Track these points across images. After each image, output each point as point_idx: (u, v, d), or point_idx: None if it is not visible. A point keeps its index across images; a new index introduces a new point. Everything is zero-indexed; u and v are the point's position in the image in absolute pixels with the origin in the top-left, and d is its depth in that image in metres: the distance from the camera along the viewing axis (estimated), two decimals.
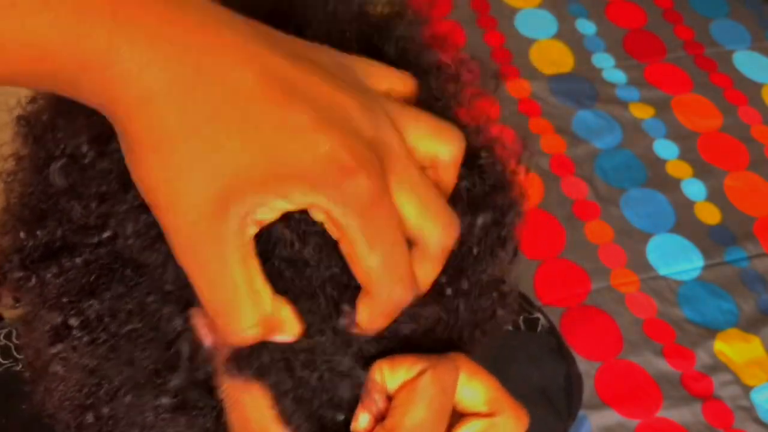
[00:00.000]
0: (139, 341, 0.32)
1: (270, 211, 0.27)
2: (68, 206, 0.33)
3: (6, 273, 0.35)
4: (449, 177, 0.32)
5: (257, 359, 0.32)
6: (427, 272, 0.31)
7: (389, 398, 0.33)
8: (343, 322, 0.31)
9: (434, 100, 0.35)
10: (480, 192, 0.35)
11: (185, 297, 0.31)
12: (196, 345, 0.32)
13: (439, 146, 0.31)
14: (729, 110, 1.62)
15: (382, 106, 0.30)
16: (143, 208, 0.30)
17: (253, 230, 0.27)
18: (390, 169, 0.29)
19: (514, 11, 1.74)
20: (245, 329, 0.29)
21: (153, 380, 0.33)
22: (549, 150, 1.52)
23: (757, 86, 1.67)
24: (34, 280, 0.34)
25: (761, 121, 1.62)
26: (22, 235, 0.34)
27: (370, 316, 0.31)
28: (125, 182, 0.31)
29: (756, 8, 1.82)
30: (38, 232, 0.33)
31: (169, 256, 0.30)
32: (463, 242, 0.34)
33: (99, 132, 0.32)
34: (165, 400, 0.33)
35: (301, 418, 0.33)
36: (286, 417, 0.33)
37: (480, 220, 0.35)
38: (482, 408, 0.35)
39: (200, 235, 0.27)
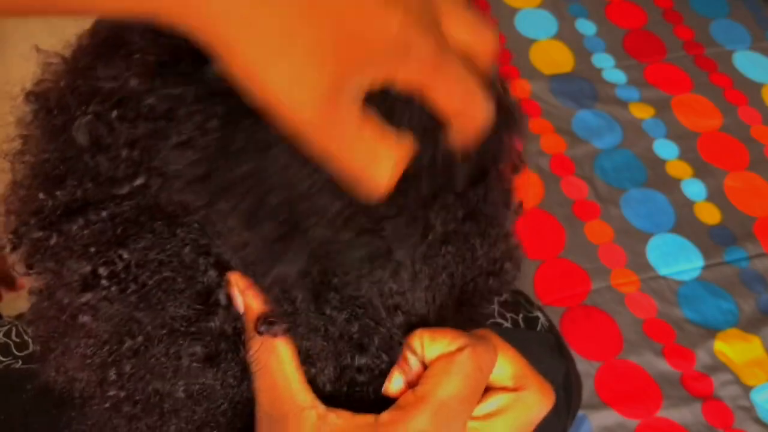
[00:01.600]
0: (171, 290, 0.33)
1: (366, 85, 0.29)
2: (93, 162, 0.33)
3: (22, 236, 0.35)
4: (483, 64, 0.34)
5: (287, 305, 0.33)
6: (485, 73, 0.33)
7: (424, 366, 0.34)
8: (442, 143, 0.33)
9: None
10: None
11: (219, 251, 0.33)
12: (231, 295, 0.33)
13: (475, 38, 0.33)
14: (729, 110, 1.62)
15: None
16: (187, 145, 0.31)
17: (360, 100, 0.29)
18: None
19: (514, 11, 1.74)
20: (388, 172, 0.30)
21: (187, 328, 0.34)
22: (549, 150, 1.52)
23: (757, 86, 1.68)
24: (55, 237, 0.34)
25: (761, 121, 1.62)
26: (41, 195, 0.34)
27: (462, 136, 0.33)
28: (169, 118, 0.32)
29: (756, 8, 1.82)
30: (58, 193, 0.34)
31: (214, 197, 0.31)
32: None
33: (144, 69, 0.32)
34: (198, 348, 0.34)
35: (326, 360, 0.34)
36: (310, 357, 0.34)
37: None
38: (508, 383, 0.35)
39: (327, 117, 0.28)
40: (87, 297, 0.34)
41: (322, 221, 0.32)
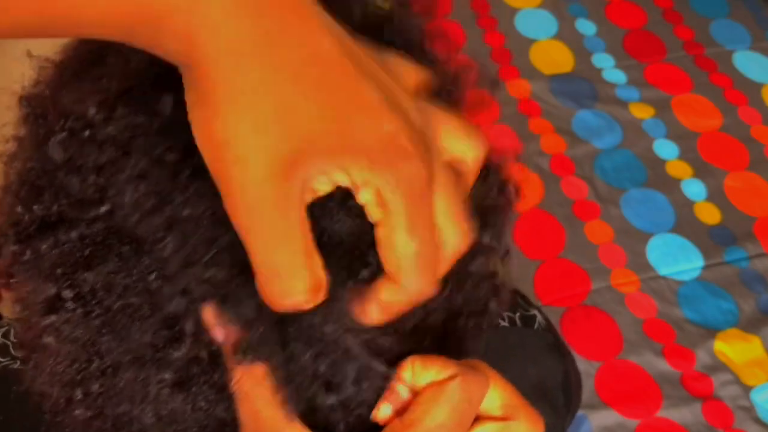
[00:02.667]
0: (136, 316, 0.32)
1: (328, 181, 0.27)
2: (66, 180, 0.33)
3: (1, 247, 0.35)
4: (469, 180, 0.32)
5: (268, 342, 0.32)
6: (438, 272, 0.31)
7: (414, 394, 0.33)
8: (355, 302, 0.31)
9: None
10: (479, 194, 0.35)
11: (186, 277, 0.32)
12: (201, 322, 0.32)
13: (466, 149, 0.31)
14: (729, 110, 1.62)
15: (418, 101, 0.30)
16: (141, 178, 0.30)
17: (309, 197, 0.27)
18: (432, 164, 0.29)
19: (514, 11, 1.74)
20: (299, 293, 0.29)
21: (154, 354, 0.33)
22: (549, 150, 1.52)
23: (757, 86, 1.67)
24: (29, 253, 0.34)
25: (761, 121, 1.62)
26: (18, 209, 0.34)
27: (388, 303, 0.31)
28: (127, 150, 0.31)
29: (756, 8, 1.82)
30: (35, 207, 0.33)
31: (167, 229, 0.30)
32: None
33: (105, 97, 0.32)
34: (167, 375, 0.33)
35: (292, 399, 0.33)
36: (279, 393, 0.33)
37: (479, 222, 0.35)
38: (497, 412, 0.35)
39: (265, 193, 0.26)
40: (51, 319, 0.33)
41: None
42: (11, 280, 0.36)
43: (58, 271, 0.33)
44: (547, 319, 0.59)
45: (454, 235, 0.30)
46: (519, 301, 0.58)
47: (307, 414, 0.34)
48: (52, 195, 0.33)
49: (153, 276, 0.32)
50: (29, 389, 0.37)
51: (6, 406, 0.47)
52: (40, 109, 0.35)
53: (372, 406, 0.34)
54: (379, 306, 0.31)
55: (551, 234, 1.41)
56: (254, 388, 0.33)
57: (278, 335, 0.32)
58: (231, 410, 0.34)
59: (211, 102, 0.26)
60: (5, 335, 0.52)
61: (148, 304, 0.32)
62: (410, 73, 0.31)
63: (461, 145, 0.31)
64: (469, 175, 0.32)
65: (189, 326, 0.32)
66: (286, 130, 0.26)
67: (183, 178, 0.31)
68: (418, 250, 0.29)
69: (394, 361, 0.34)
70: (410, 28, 0.36)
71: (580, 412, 1.15)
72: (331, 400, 0.34)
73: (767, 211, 1.49)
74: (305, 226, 0.28)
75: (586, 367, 1.26)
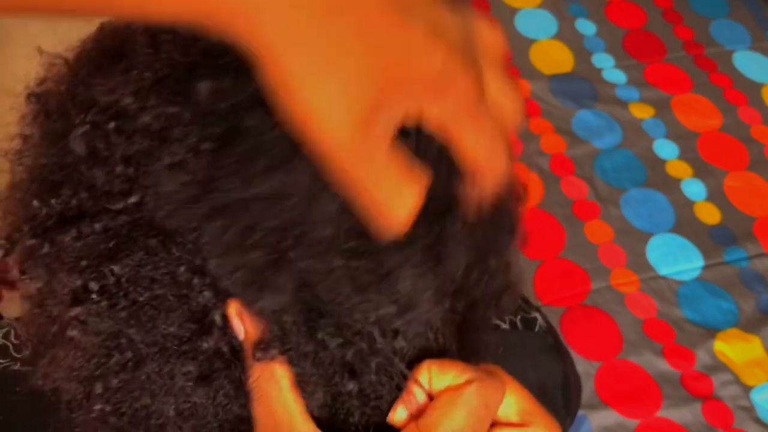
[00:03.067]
0: (163, 308, 0.33)
1: (402, 117, 0.29)
2: (89, 174, 0.33)
3: (15, 242, 0.35)
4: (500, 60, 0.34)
5: (283, 338, 0.33)
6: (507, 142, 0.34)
7: (430, 398, 0.34)
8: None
9: None
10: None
11: (217, 269, 0.32)
12: (227, 315, 0.33)
13: (508, 102, 0.33)
14: (729, 110, 1.62)
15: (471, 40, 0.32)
16: (177, 167, 0.31)
17: (394, 131, 0.29)
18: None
19: (514, 11, 1.74)
20: (408, 209, 0.30)
21: (180, 347, 0.33)
22: (549, 150, 1.52)
23: (757, 86, 1.67)
24: (47, 247, 0.34)
25: (761, 121, 1.62)
26: (35, 203, 0.34)
27: (482, 191, 0.33)
28: (162, 139, 0.31)
29: (756, 8, 1.82)
30: (52, 201, 0.34)
31: (204, 219, 0.31)
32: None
33: (139, 87, 0.32)
34: (192, 368, 0.33)
35: (317, 384, 0.34)
36: (302, 382, 0.34)
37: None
38: (514, 418, 0.35)
39: (359, 143, 0.28)
40: (77, 311, 0.34)
41: (311, 250, 0.31)
42: (23, 277, 0.36)
43: (83, 263, 0.33)
44: (547, 322, 0.59)
45: (511, 106, 0.33)
46: (520, 303, 0.58)
47: (324, 407, 0.34)
48: (71, 188, 0.33)
49: (183, 268, 0.32)
50: (36, 388, 0.38)
51: (6, 407, 0.47)
52: (54, 104, 0.35)
53: (389, 403, 0.35)
54: (475, 194, 0.33)
55: (551, 234, 1.41)
56: (271, 388, 0.33)
57: (307, 324, 0.33)
58: (248, 407, 0.34)
59: (290, 84, 0.28)
60: (5, 336, 0.52)
61: (175, 296, 0.33)
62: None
63: (503, 97, 0.33)
64: (509, 124, 0.34)
65: (218, 318, 0.33)
66: (358, 89, 0.28)
67: (218, 168, 0.31)
68: (490, 143, 0.32)
69: (412, 361, 0.35)
70: None
71: (580, 412, 1.15)
72: (352, 386, 0.34)
73: (767, 211, 1.49)
74: (399, 155, 0.30)
75: (586, 367, 1.26)
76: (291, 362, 0.33)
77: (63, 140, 0.34)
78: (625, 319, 1.32)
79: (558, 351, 0.58)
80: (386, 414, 0.35)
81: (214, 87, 0.30)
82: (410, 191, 0.30)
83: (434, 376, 0.34)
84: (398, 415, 0.34)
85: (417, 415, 0.34)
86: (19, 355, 0.50)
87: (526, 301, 0.59)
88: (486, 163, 0.32)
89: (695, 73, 1.67)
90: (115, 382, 0.34)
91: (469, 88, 0.30)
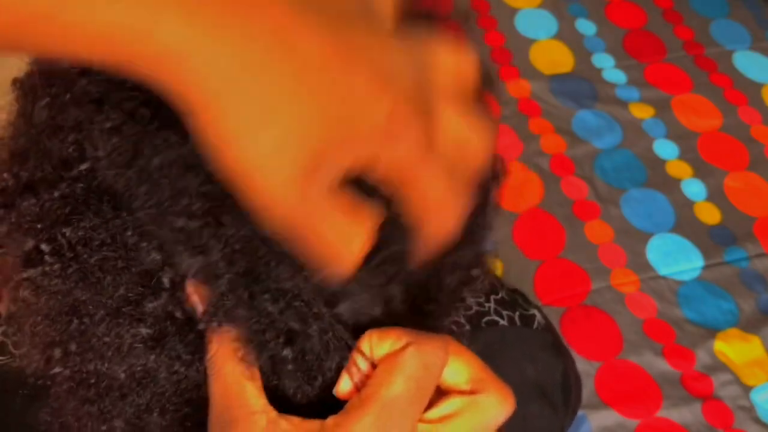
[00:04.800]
0: (112, 270, 0.33)
1: (347, 166, 0.28)
2: (49, 144, 0.34)
3: None
4: (469, 81, 0.33)
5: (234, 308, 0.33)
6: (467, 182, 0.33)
7: (373, 367, 0.34)
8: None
9: None
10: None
11: (160, 231, 0.32)
12: (178, 277, 0.33)
13: (457, 61, 0.32)
14: (729, 110, 1.62)
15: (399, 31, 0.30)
16: (114, 130, 0.31)
17: (337, 181, 0.28)
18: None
19: (514, 11, 1.74)
20: (357, 251, 0.30)
21: (130, 309, 0.34)
22: (549, 150, 1.52)
23: (757, 86, 1.67)
24: (13, 216, 0.35)
25: (761, 121, 1.62)
26: (5, 176, 0.35)
27: (424, 246, 0.32)
28: (101, 105, 0.32)
29: (756, 8, 1.82)
30: (21, 173, 0.35)
31: (139, 182, 0.31)
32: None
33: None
34: (142, 329, 0.34)
35: (259, 351, 0.34)
36: (246, 350, 0.34)
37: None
38: (465, 386, 0.35)
39: (301, 192, 0.27)
40: (29, 272, 0.34)
41: (243, 215, 0.31)
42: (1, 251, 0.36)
43: (38, 226, 0.34)
44: (546, 319, 0.59)
45: (477, 141, 0.32)
46: (518, 300, 0.58)
47: (269, 372, 0.35)
48: (36, 159, 0.34)
49: (130, 231, 0.33)
50: (22, 377, 0.38)
51: (4, 403, 0.47)
52: (28, 84, 0.37)
53: (333, 373, 0.35)
54: (419, 248, 0.33)
55: (551, 234, 1.41)
56: (226, 363, 0.34)
57: (246, 289, 0.33)
58: (205, 374, 0.35)
59: (223, 138, 0.26)
60: (4, 333, 0.52)
61: (123, 259, 0.33)
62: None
63: (466, 132, 0.32)
64: (474, 159, 0.33)
65: (165, 281, 0.33)
66: (297, 142, 0.27)
67: (152, 130, 0.31)
68: (441, 194, 0.31)
69: (360, 330, 0.35)
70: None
71: (580, 412, 1.15)
72: (288, 352, 0.34)
73: (767, 211, 1.48)
74: (342, 198, 0.29)
75: (586, 367, 1.26)
76: (237, 331, 0.34)
77: (31, 115, 0.35)
78: (625, 319, 1.32)
79: (557, 348, 0.58)
80: (332, 386, 0.35)
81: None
82: (358, 234, 0.29)
83: (375, 344, 0.34)
84: (342, 386, 0.34)
85: (360, 387, 0.34)
86: (17, 352, 0.50)
87: (525, 298, 0.59)
88: (434, 215, 0.31)
89: (695, 73, 1.67)
90: (73, 346, 0.35)
91: (419, 137, 0.29)
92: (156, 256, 0.33)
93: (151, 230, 0.33)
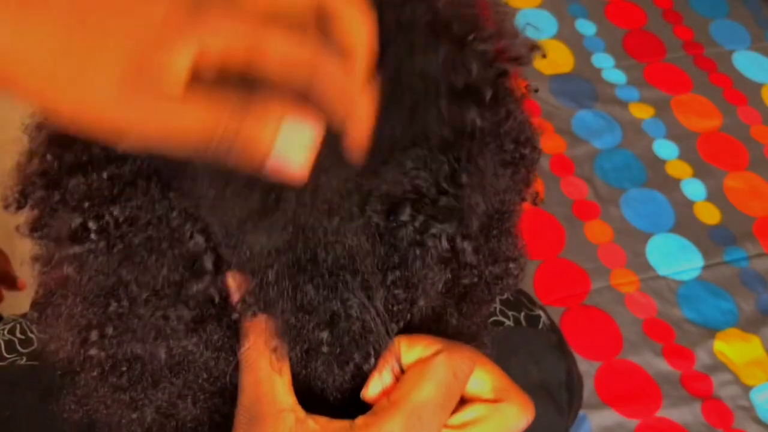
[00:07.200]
0: (156, 251, 0.33)
1: (168, 66, 0.26)
2: None
3: (27, 194, 0.36)
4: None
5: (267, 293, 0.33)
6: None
7: (402, 372, 0.34)
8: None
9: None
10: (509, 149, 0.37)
11: (207, 216, 0.33)
12: (220, 263, 0.33)
13: (352, 39, 0.28)
14: (729, 110, 1.63)
15: None
16: None
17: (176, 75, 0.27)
18: None
19: (513, 11, 1.74)
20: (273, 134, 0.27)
21: (173, 290, 0.34)
22: (549, 150, 1.52)
23: (757, 86, 1.68)
24: (57, 195, 0.35)
25: (761, 121, 1.62)
26: (48, 158, 0.35)
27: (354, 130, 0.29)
28: None
29: (756, 8, 1.82)
30: (65, 155, 0.34)
31: (194, 167, 0.31)
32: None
33: None
34: (184, 311, 0.34)
35: (296, 337, 0.34)
36: (283, 335, 0.34)
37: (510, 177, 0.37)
38: (488, 395, 0.35)
39: (134, 99, 0.26)
40: (75, 249, 0.34)
41: (302, 198, 0.31)
42: (34, 234, 0.36)
43: (86, 204, 0.34)
44: (551, 319, 0.59)
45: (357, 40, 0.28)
46: (524, 300, 0.58)
47: (299, 362, 0.35)
48: (84, 142, 0.34)
49: (175, 213, 0.33)
50: (30, 375, 0.38)
51: (13, 401, 0.48)
52: None
53: (364, 359, 0.35)
54: None
55: (551, 234, 1.42)
56: (260, 358, 0.34)
57: (290, 278, 0.33)
58: (236, 363, 0.35)
59: (33, 92, 0.27)
60: (11, 332, 0.52)
61: (167, 240, 0.33)
62: None
63: (346, 36, 0.28)
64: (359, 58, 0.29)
65: (208, 264, 0.33)
66: (100, 60, 0.26)
67: None
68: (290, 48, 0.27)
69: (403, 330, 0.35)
70: None
71: (580, 412, 1.16)
72: (325, 335, 0.34)
73: (767, 211, 1.49)
74: (194, 91, 0.27)
75: (586, 367, 1.26)
76: (273, 320, 0.34)
77: None
78: (625, 319, 1.33)
79: (562, 349, 0.58)
80: (360, 373, 0.35)
81: None
82: (224, 119, 0.27)
83: (404, 350, 0.34)
84: (371, 390, 0.35)
85: (389, 390, 0.34)
86: (25, 351, 0.50)
87: (529, 298, 0.60)
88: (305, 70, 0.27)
89: (695, 73, 1.68)
90: (110, 329, 0.35)
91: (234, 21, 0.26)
92: (200, 238, 0.33)
93: (200, 213, 0.33)
